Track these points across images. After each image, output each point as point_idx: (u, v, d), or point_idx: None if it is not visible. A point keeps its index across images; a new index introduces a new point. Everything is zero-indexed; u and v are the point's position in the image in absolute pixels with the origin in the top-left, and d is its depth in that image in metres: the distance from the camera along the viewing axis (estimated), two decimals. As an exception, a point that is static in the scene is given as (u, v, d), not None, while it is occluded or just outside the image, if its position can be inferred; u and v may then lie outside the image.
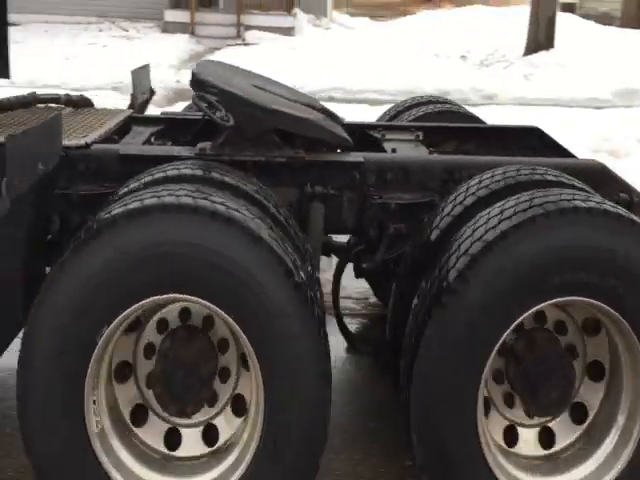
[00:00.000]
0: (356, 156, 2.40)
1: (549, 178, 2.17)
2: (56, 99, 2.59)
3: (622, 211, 1.96)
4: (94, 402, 1.94)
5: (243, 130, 2.33)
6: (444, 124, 3.03)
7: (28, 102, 2.42)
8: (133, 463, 2.02)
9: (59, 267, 1.80)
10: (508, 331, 1.92)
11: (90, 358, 1.86)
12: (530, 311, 1.92)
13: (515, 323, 1.93)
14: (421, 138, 2.83)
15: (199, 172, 2.08)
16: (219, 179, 2.05)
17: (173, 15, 14.76)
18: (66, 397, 1.87)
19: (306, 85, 10.76)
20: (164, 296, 1.84)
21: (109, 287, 1.80)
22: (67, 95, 2.63)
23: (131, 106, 2.83)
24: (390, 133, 2.88)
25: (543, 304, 1.91)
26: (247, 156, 2.30)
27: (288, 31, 14.97)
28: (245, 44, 14.37)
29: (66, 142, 2.19)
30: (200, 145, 2.33)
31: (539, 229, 1.89)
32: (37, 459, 1.91)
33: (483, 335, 1.89)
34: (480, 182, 2.22)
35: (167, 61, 11.98)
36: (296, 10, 15.44)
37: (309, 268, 2.05)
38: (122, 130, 2.62)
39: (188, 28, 14.63)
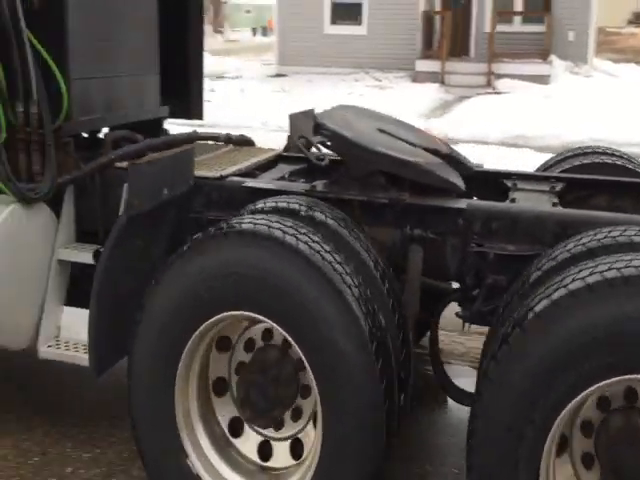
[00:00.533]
0: (459, 202, 2.39)
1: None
2: (215, 137, 3.04)
3: None
4: (186, 413, 2.24)
5: (351, 170, 2.50)
6: (592, 177, 2.81)
7: (191, 139, 2.91)
8: (224, 469, 2.28)
9: (153, 283, 2.17)
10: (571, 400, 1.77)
11: (175, 375, 2.18)
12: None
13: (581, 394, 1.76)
14: (558, 189, 2.68)
15: (303, 208, 2.29)
16: (318, 217, 2.24)
17: (424, 65, 15.39)
18: (159, 407, 2.20)
19: (561, 135, 10.38)
20: (236, 312, 2.09)
21: (189, 304, 2.11)
22: (227, 134, 3.08)
23: (286, 148, 3.17)
24: (527, 183, 2.78)
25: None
26: (351, 195, 2.46)
27: (543, 79, 14.60)
28: (496, 92, 14.36)
29: (202, 173, 2.60)
30: (314, 183, 2.56)
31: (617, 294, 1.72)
32: (145, 459, 2.29)
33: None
34: (584, 239, 2.07)
35: (417, 109, 12.47)
36: (552, 57, 15.00)
37: (396, 316, 2.14)
38: (267, 166, 2.96)
39: (438, 77, 15.13)
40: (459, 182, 2.51)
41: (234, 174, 2.67)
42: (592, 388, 1.74)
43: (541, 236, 2.27)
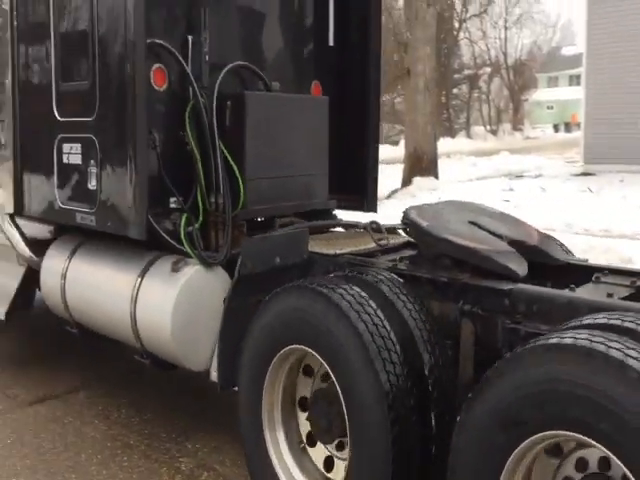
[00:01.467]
0: (506, 284, 2.70)
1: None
2: (363, 226, 3.72)
3: None
4: (272, 425, 2.96)
5: (423, 253, 3.00)
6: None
7: (334, 225, 3.68)
8: (297, 472, 2.93)
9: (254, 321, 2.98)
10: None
11: (262, 387, 2.92)
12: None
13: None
14: (637, 284, 2.76)
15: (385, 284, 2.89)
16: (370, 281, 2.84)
17: None
18: (250, 416, 2.96)
19: None
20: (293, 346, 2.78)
21: (269, 337, 2.87)
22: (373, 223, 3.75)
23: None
24: (613, 276, 2.90)
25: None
26: (420, 272, 2.95)
27: None
28: None
29: (318, 250, 3.37)
30: (398, 260, 3.13)
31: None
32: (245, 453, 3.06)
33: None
34: (586, 320, 2.27)
35: None
36: None
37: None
38: (393, 249, 3.57)
39: None
40: (520, 269, 2.80)
41: (349, 253, 3.37)
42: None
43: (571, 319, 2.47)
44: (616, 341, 1.93)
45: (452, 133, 46.99)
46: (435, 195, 12.24)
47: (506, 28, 49.01)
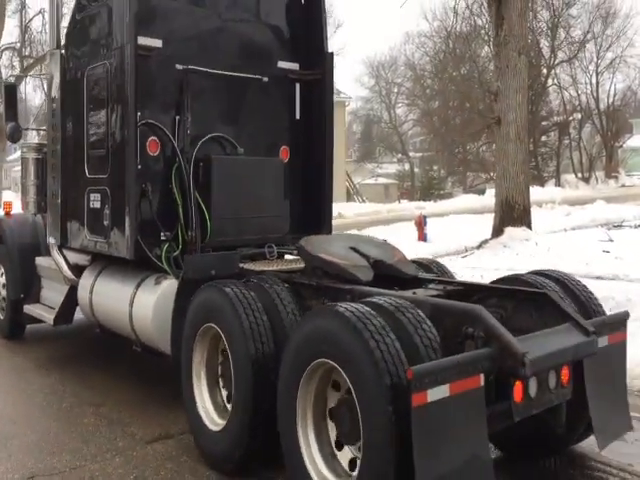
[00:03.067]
0: (350, 286, 4.06)
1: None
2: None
3: None
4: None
5: (307, 268, 4.43)
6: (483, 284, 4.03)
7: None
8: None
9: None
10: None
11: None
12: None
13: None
14: (447, 289, 4.09)
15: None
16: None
17: None
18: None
19: None
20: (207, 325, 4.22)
21: (194, 318, 4.34)
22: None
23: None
24: (438, 284, 4.21)
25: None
26: (298, 279, 4.36)
27: None
28: None
29: (252, 267, 4.84)
30: (293, 273, 4.56)
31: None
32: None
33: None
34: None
35: None
36: None
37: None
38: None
39: None
40: (365, 277, 4.16)
41: (270, 269, 4.82)
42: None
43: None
44: (355, 307, 3.27)
45: (541, 181, 47.05)
46: (528, 246, 12.14)
47: (597, 73, 49.00)
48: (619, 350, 4.06)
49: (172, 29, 5.43)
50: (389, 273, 4.39)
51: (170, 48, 5.36)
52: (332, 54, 6.22)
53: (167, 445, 4.62)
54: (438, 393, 2.95)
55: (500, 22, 13.19)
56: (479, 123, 40.29)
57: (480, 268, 10.12)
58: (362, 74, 57.95)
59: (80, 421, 5.09)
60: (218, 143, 5.68)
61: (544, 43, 46.72)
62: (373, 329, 3.13)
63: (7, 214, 8.01)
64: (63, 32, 6.16)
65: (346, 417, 3.29)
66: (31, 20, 37.40)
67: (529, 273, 4.46)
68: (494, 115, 14.02)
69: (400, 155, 54.57)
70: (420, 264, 5.17)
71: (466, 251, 13.18)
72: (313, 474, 3.43)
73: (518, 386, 3.33)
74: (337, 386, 3.46)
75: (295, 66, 6.15)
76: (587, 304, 4.19)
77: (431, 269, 5.10)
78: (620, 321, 4.11)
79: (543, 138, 49.68)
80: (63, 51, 6.07)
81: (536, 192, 28.05)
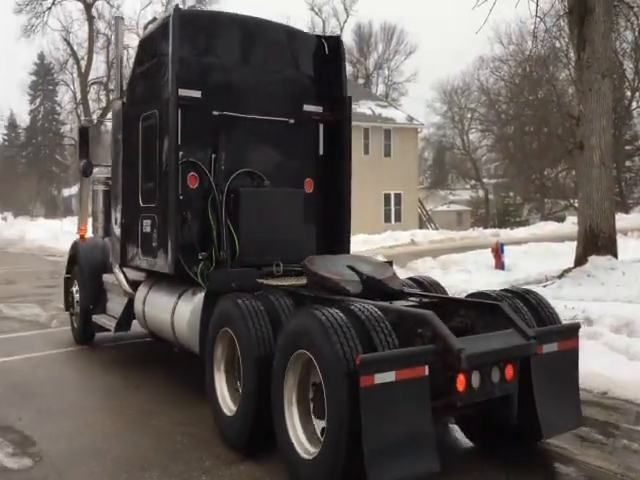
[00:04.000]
0: (339, 297, 4.98)
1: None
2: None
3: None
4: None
5: (309, 282, 5.39)
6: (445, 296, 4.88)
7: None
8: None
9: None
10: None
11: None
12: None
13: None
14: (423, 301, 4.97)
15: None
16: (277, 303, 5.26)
17: None
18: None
19: None
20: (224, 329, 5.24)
21: (215, 319, 5.36)
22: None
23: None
24: (419, 297, 5.10)
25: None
26: (300, 291, 5.32)
27: None
28: None
29: (267, 282, 5.83)
30: (298, 287, 5.52)
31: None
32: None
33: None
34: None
35: None
36: None
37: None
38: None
39: None
40: (354, 290, 5.09)
41: (281, 285, 5.79)
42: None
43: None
44: (326, 310, 4.20)
45: (625, 208, 46.08)
46: (615, 275, 11.93)
47: (684, 94, 47.88)
48: (570, 355, 4.80)
49: (209, 81, 6.57)
50: (378, 288, 5.28)
51: (207, 97, 6.49)
52: (350, 98, 7.22)
53: (251, 467, 4.83)
54: (385, 377, 3.82)
55: (582, 45, 12.89)
56: (558, 148, 40.04)
57: (562, 298, 9.89)
58: (434, 100, 58.78)
59: (168, 439, 5.39)
60: (248, 176, 6.75)
61: (628, 65, 46.10)
62: (337, 326, 4.05)
63: (82, 237, 9.42)
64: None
65: (317, 397, 4.21)
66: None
67: (500, 290, 5.26)
68: (576, 140, 13.62)
69: (473, 181, 54.76)
70: (418, 282, 6.04)
71: (547, 280, 12.95)
72: (293, 439, 4.37)
73: (461, 378, 4.16)
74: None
75: (319, 109, 7.19)
76: (544, 316, 4.95)
77: (425, 286, 5.95)
78: (571, 331, 4.86)
79: (627, 163, 48.75)
80: (124, 99, 7.35)
81: (620, 219, 27.31)
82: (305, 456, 4.26)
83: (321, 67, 7.24)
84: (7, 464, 4.91)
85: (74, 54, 48.30)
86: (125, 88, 7.41)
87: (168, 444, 5.27)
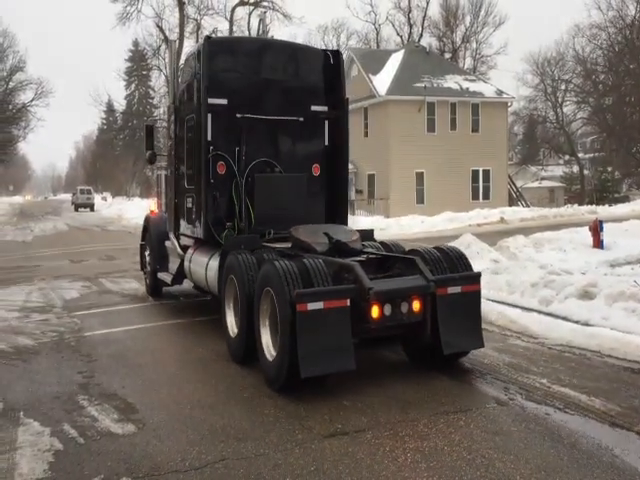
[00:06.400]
0: (307, 254, 7.26)
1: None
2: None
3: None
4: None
5: (293, 244, 7.70)
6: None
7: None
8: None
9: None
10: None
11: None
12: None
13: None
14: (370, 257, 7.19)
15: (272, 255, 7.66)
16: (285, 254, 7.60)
17: None
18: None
19: None
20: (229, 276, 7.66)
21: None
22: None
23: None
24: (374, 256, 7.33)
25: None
26: (284, 251, 7.63)
27: None
28: None
29: (269, 244, 8.17)
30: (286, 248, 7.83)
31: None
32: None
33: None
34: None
35: None
36: None
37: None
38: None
39: None
40: (320, 249, 7.35)
41: (277, 247, 8.12)
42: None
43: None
44: (282, 260, 6.51)
45: None
46: None
47: None
48: (473, 296, 6.86)
49: (233, 91, 8.95)
50: (342, 248, 7.52)
51: (232, 103, 8.88)
52: (347, 99, 9.42)
53: (343, 441, 5.08)
54: (315, 306, 6.07)
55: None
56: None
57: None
58: (525, 72, 58.47)
59: (261, 411, 5.82)
60: (265, 164, 9.12)
61: None
62: (287, 271, 6.32)
63: (151, 212, 12.23)
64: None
65: (275, 319, 6.50)
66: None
67: (432, 247, 7.37)
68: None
69: (567, 156, 54.48)
70: (385, 244, 8.21)
71: (649, 259, 13.10)
72: (265, 348, 6.65)
73: (375, 308, 6.34)
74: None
75: (324, 108, 9.44)
76: (457, 265, 7.02)
77: (389, 247, 8.11)
78: (473, 277, 6.92)
79: None
80: (176, 104, 9.89)
81: None
82: (270, 359, 6.58)
83: (325, 75, 9.46)
84: (113, 429, 5.48)
85: (166, 39, 52.21)
86: (176, 95, 9.96)
87: (260, 416, 5.70)
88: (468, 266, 7.14)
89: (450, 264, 7.08)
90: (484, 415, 5.67)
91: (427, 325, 6.69)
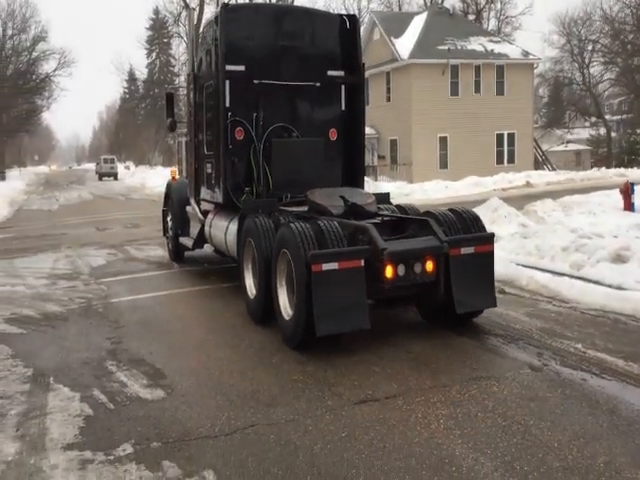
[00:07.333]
0: (324, 217, 7.49)
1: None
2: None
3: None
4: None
5: (310, 207, 7.93)
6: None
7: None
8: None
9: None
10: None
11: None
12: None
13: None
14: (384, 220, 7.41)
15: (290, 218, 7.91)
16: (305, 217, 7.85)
17: None
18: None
19: None
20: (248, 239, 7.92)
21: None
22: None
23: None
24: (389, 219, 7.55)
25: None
26: (301, 213, 7.85)
27: None
28: None
29: (286, 208, 8.41)
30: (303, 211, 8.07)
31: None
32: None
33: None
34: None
35: None
36: None
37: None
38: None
39: None
40: (336, 212, 7.57)
41: (294, 210, 8.36)
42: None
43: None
44: (298, 222, 6.75)
45: None
46: None
47: None
48: (486, 256, 7.05)
49: (251, 57, 9.12)
50: (357, 211, 7.73)
51: (249, 70, 9.06)
52: (364, 64, 9.54)
53: (374, 407, 5.05)
54: (330, 266, 6.30)
55: None
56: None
57: None
58: (551, 33, 57.38)
59: (290, 377, 5.82)
60: (282, 129, 9.31)
61: None
62: (303, 234, 6.56)
63: (173, 178, 12.53)
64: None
65: (292, 280, 6.76)
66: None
67: (447, 209, 7.54)
68: None
69: (594, 119, 53.70)
70: (400, 207, 8.41)
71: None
72: (282, 308, 6.96)
73: (389, 268, 6.57)
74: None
75: (340, 73, 9.59)
76: (471, 227, 7.19)
77: (405, 210, 8.30)
78: (486, 238, 7.10)
79: None
80: (195, 72, 10.09)
81: None
82: (287, 318, 6.86)
83: (342, 40, 9.58)
84: (142, 395, 5.53)
85: (187, 6, 52.08)
86: (195, 63, 10.16)
87: (289, 382, 5.69)
88: (482, 228, 7.31)
89: (464, 226, 7.24)
90: (518, 381, 5.61)
91: (440, 285, 6.88)
